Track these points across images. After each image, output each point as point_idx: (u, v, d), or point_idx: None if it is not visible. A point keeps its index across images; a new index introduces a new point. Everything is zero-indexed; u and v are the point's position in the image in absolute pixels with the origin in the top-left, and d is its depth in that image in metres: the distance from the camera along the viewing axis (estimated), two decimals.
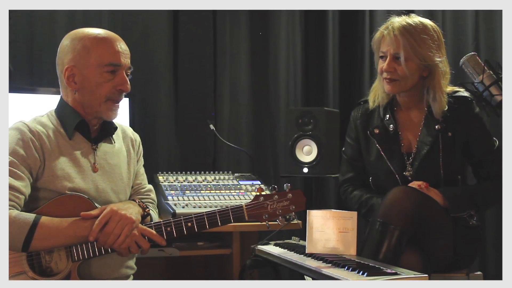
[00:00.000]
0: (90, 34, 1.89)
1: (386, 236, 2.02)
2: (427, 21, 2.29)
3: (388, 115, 2.36)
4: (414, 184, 2.19)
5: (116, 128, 2.00)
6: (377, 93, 2.39)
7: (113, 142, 2.00)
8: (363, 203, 2.34)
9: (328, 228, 1.97)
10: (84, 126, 1.91)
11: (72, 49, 1.87)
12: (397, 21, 2.27)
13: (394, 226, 2.02)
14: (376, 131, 2.35)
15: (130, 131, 2.10)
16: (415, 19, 2.27)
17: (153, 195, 2.11)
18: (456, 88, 2.33)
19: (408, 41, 2.21)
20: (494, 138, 2.30)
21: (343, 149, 2.50)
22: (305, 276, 1.94)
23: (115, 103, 1.90)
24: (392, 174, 2.29)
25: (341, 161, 2.52)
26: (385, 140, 2.33)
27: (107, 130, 1.97)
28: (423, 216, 2.09)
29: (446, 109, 2.26)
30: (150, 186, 2.12)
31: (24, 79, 2.91)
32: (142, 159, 2.12)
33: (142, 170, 2.11)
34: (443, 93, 2.26)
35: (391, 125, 2.34)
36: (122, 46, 1.91)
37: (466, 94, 2.30)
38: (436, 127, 2.26)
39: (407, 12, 2.34)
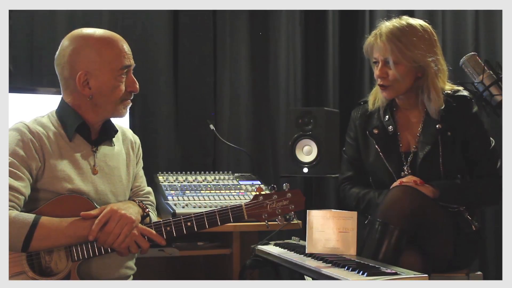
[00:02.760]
0: (100, 38, 1.88)
1: (386, 236, 2.02)
2: (416, 22, 2.29)
3: (387, 116, 2.36)
4: (410, 179, 2.19)
5: (116, 131, 2.00)
6: (376, 97, 2.40)
7: (113, 144, 1.99)
8: (360, 199, 2.35)
9: (328, 228, 1.97)
10: (84, 128, 1.91)
11: (85, 54, 1.85)
12: (385, 26, 2.27)
13: (394, 226, 2.03)
14: (375, 131, 2.36)
15: (130, 133, 2.10)
16: (403, 21, 2.27)
17: (152, 197, 2.11)
18: (456, 87, 2.33)
19: (395, 45, 2.22)
20: (491, 138, 2.30)
21: (344, 148, 2.51)
22: (305, 276, 1.94)
23: (128, 102, 1.94)
24: (390, 174, 2.30)
25: (342, 161, 2.53)
26: (384, 140, 2.34)
27: (108, 133, 1.97)
28: (422, 216, 2.10)
29: (442, 107, 2.26)
30: (149, 189, 2.12)
31: (24, 79, 2.91)
32: (142, 162, 2.11)
33: (142, 172, 2.11)
34: (438, 92, 2.25)
35: (390, 126, 2.35)
36: (127, 46, 1.92)
37: (465, 93, 2.30)
38: (437, 126, 2.26)
39: (399, 14, 2.35)
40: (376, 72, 2.29)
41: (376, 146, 2.34)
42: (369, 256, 1.99)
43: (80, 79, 1.85)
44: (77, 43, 1.88)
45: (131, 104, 1.96)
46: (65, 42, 1.90)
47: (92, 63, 1.85)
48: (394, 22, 2.28)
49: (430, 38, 2.27)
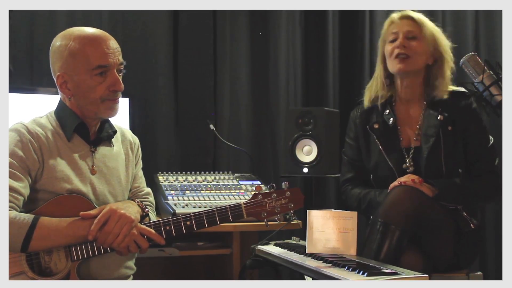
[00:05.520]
0: (75, 38, 1.84)
1: (387, 236, 2.02)
2: None
3: (387, 110, 2.37)
4: (409, 178, 2.19)
5: (115, 131, 1.99)
6: (373, 92, 2.40)
7: (112, 145, 1.99)
8: (362, 199, 2.35)
9: (328, 228, 1.96)
10: (83, 128, 1.91)
11: (60, 56, 1.84)
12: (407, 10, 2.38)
13: (395, 226, 2.03)
14: (376, 126, 2.37)
15: (129, 134, 2.10)
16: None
17: (151, 198, 2.10)
18: (456, 88, 2.35)
19: (425, 22, 2.33)
20: (489, 135, 2.32)
21: (343, 149, 2.51)
22: (305, 276, 1.94)
23: (113, 102, 1.89)
24: (391, 170, 2.30)
25: (342, 162, 2.53)
26: (385, 135, 2.35)
27: (106, 133, 1.96)
28: (423, 216, 2.10)
29: (446, 97, 2.30)
30: (149, 189, 2.11)
31: (24, 79, 2.91)
32: (141, 162, 2.11)
33: (141, 173, 2.11)
34: (444, 80, 2.31)
35: (391, 118, 2.35)
36: (109, 44, 1.85)
37: (464, 90, 2.33)
38: (439, 117, 2.27)
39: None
40: (396, 43, 2.32)
41: (377, 141, 2.34)
42: (370, 256, 1.99)
43: (58, 80, 1.85)
44: (58, 46, 1.86)
45: (117, 102, 1.90)
46: (53, 43, 1.89)
47: (67, 65, 1.83)
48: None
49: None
